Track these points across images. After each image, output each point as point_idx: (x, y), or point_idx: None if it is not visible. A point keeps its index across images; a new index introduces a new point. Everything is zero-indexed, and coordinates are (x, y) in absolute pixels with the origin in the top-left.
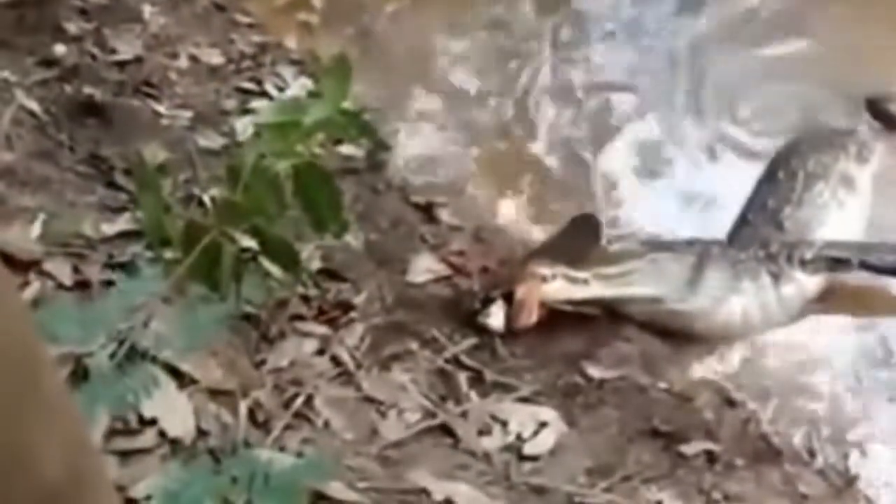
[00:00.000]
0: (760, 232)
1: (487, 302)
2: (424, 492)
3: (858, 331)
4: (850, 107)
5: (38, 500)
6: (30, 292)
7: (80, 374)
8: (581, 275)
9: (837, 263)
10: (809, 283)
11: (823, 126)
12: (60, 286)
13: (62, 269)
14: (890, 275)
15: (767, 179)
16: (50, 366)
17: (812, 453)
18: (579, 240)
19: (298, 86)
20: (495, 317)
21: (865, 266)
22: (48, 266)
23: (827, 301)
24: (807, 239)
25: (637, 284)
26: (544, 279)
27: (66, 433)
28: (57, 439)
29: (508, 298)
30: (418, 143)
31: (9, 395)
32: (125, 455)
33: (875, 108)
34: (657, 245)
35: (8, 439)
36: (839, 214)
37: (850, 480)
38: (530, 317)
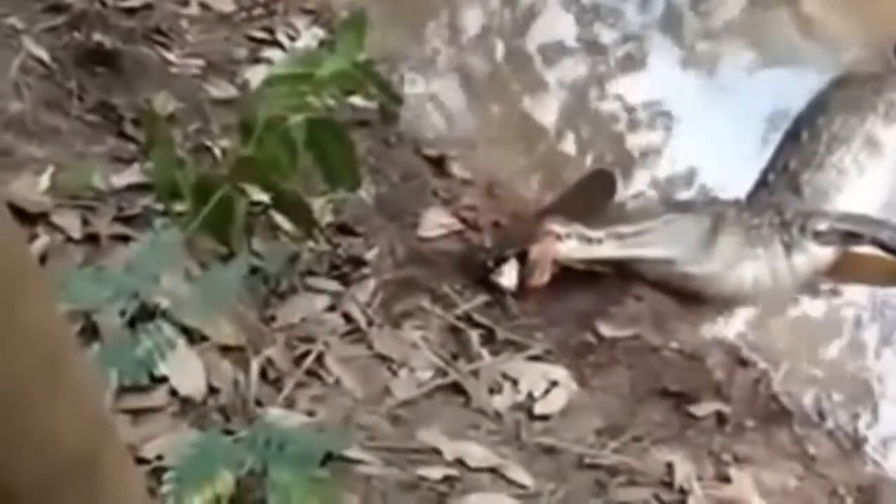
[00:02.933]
0: (778, 196)
1: (501, 261)
2: (435, 451)
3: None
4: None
5: (57, 472)
6: (38, 245)
7: (89, 332)
8: (596, 234)
9: (850, 237)
10: (821, 253)
11: (853, 76)
12: (69, 239)
13: (71, 222)
14: None
15: (791, 139)
16: (69, 339)
17: (822, 415)
18: (594, 196)
19: (310, 35)
20: (508, 276)
21: (877, 243)
22: (57, 218)
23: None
24: (822, 209)
25: (651, 245)
26: (559, 238)
27: (85, 407)
28: (76, 413)
29: (521, 257)
30: (431, 95)
31: (33, 373)
32: (136, 413)
33: None
34: (673, 205)
35: (32, 415)
36: (858, 181)
37: (859, 442)
38: (543, 276)
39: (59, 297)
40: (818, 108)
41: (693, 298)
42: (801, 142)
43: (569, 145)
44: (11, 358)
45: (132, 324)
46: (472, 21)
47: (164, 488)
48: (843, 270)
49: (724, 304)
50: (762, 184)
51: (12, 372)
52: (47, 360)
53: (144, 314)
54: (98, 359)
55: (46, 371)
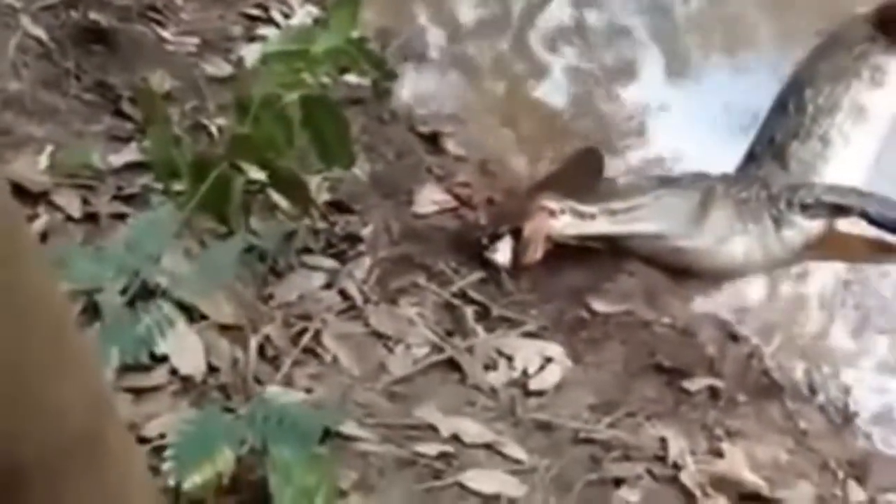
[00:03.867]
0: (764, 168)
1: (495, 238)
2: (431, 427)
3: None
4: None
5: (60, 450)
6: (39, 224)
7: (90, 311)
8: (589, 209)
9: (837, 210)
10: (811, 226)
11: (837, 41)
12: (69, 218)
13: (71, 201)
14: (886, 230)
15: (777, 110)
16: (71, 318)
17: (813, 389)
18: (583, 173)
19: (304, 13)
20: (502, 252)
21: (864, 216)
22: (56, 198)
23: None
24: (808, 182)
25: (642, 220)
26: (552, 214)
27: (88, 381)
28: (80, 387)
29: (515, 234)
30: (424, 74)
31: (36, 353)
32: (137, 392)
33: (884, 19)
34: (663, 181)
35: (36, 395)
36: (844, 151)
37: (850, 417)
38: (537, 252)
39: (59, 276)
40: (804, 78)
41: (684, 273)
42: (787, 113)
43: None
44: (15, 332)
45: (132, 303)
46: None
47: (165, 466)
48: (827, 246)
49: (716, 278)
50: (750, 157)
51: (16, 346)
52: (51, 334)
53: (144, 293)
54: (99, 337)
55: (50, 344)
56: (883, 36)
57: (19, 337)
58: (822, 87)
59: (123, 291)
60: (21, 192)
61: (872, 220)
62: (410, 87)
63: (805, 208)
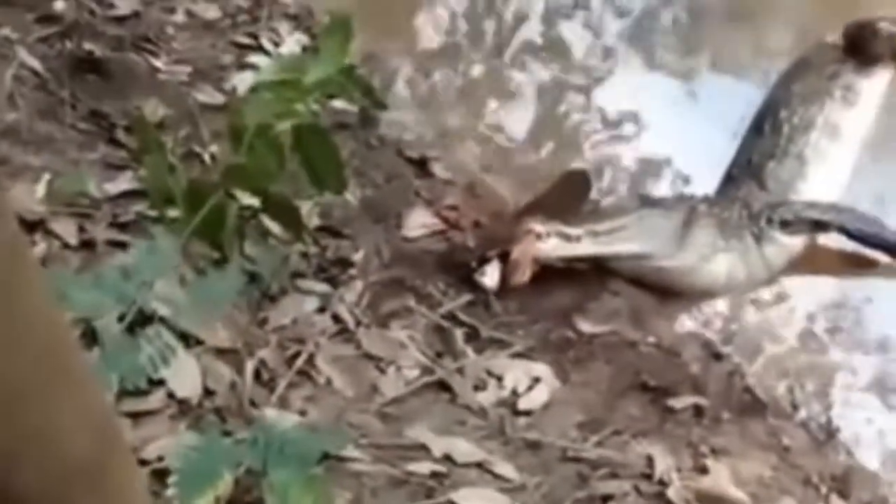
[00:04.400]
0: (744, 189)
1: (483, 261)
2: (423, 447)
3: (837, 287)
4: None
5: (66, 477)
6: (36, 252)
7: (89, 338)
8: (574, 231)
9: (816, 226)
10: (792, 242)
11: (808, 63)
12: (66, 246)
13: (68, 229)
14: (864, 244)
15: (753, 132)
16: (74, 343)
17: (795, 406)
18: (570, 195)
19: (294, 41)
20: (490, 276)
21: (843, 231)
22: (54, 225)
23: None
24: (787, 200)
25: (626, 241)
26: (539, 237)
27: (91, 410)
28: (83, 417)
29: (503, 257)
30: (411, 96)
31: (37, 375)
32: (135, 416)
33: (852, 40)
34: (646, 201)
35: (36, 418)
36: (821, 167)
37: (832, 433)
38: (524, 275)
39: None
40: (777, 100)
41: (669, 293)
42: (763, 135)
43: (541, 147)
44: (12, 355)
45: (130, 329)
46: (448, 19)
47: (168, 492)
48: (805, 261)
49: (700, 297)
50: (728, 178)
51: (14, 369)
52: (51, 358)
53: (142, 319)
54: (99, 364)
55: (51, 368)
56: (851, 56)
57: (18, 360)
58: (796, 108)
59: (121, 318)
60: (19, 221)
61: (851, 235)
62: (398, 111)
63: (785, 225)
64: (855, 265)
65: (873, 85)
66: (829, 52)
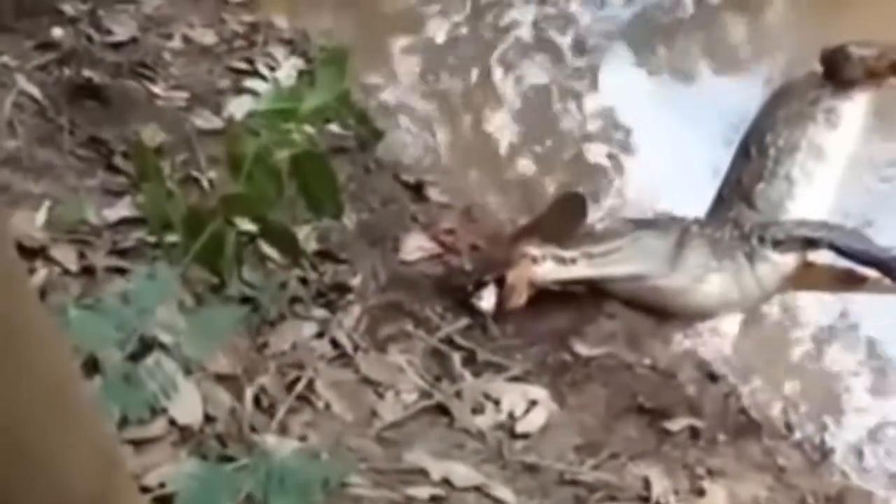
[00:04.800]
0: (734, 211)
1: (480, 286)
2: (422, 472)
3: (830, 308)
4: None
5: None
6: (37, 279)
7: (90, 367)
8: (569, 254)
9: (808, 243)
10: (784, 261)
11: (791, 88)
12: (66, 272)
13: (68, 256)
14: (853, 260)
15: (741, 156)
16: (76, 374)
17: (790, 427)
18: (566, 218)
19: (290, 65)
20: (487, 300)
21: (833, 248)
22: (54, 252)
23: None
24: (778, 219)
25: (621, 262)
26: (535, 260)
27: (94, 442)
28: (87, 453)
29: (500, 281)
30: (405, 120)
31: (39, 408)
32: (137, 444)
33: (828, 66)
34: (640, 223)
35: (41, 454)
36: (809, 187)
37: (826, 453)
38: (520, 298)
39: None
40: (763, 125)
41: (664, 314)
42: (750, 158)
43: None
44: (14, 388)
45: (132, 357)
46: (439, 39)
47: None
48: (799, 279)
49: (694, 317)
50: (718, 201)
51: (15, 403)
52: (51, 389)
53: (143, 347)
54: (102, 396)
55: (52, 403)
56: (829, 80)
57: (20, 393)
58: (780, 132)
59: (122, 345)
60: (20, 248)
61: (842, 252)
62: (393, 136)
63: (777, 244)
64: (844, 282)
65: (854, 107)
66: (810, 78)
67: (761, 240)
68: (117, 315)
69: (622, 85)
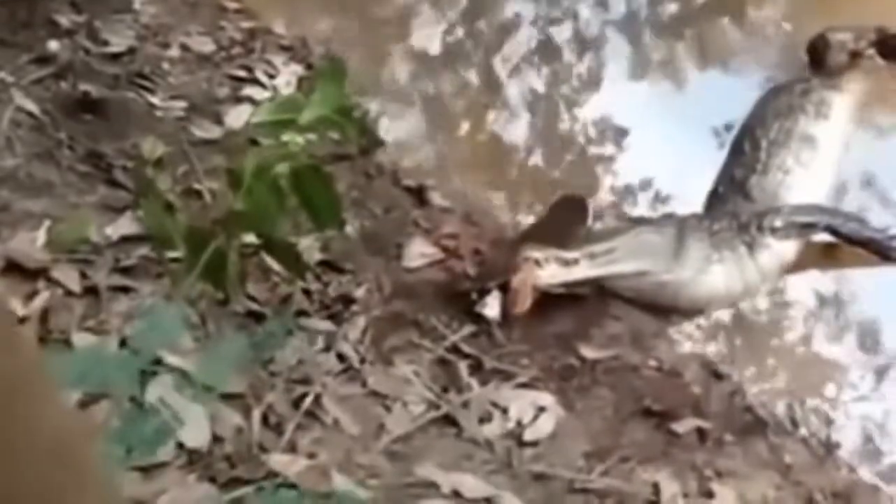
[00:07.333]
0: (730, 203)
1: (484, 293)
2: (433, 485)
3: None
4: None
5: None
6: (39, 301)
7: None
8: (571, 255)
9: (805, 227)
10: (785, 247)
11: (783, 84)
12: (69, 293)
13: (70, 276)
14: (849, 242)
15: (734, 151)
16: (82, 437)
17: (795, 423)
18: (567, 221)
19: (289, 72)
20: (491, 306)
21: (830, 229)
22: (56, 273)
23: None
24: (774, 206)
25: (624, 260)
26: (538, 263)
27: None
28: None
29: (503, 287)
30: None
31: (44, 477)
32: (145, 470)
33: (812, 56)
34: (638, 221)
35: None
36: (804, 176)
37: (832, 448)
38: (525, 303)
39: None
40: (753, 123)
41: (670, 310)
42: (743, 152)
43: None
44: (17, 459)
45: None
46: (436, 45)
47: None
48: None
49: (700, 310)
50: (714, 196)
51: (20, 474)
52: (56, 458)
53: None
54: (111, 435)
55: (56, 469)
56: (817, 70)
57: (24, 464)
58: (771, 125)
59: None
60: (20, 269)
61: (838, 233)
62: (393, 141)
63: (775, 231)
64: (838, 260)
65: (843, 96)
66: (799, 73)
67: (759, 228)
68: (122, 365)
69: (622, 85)
